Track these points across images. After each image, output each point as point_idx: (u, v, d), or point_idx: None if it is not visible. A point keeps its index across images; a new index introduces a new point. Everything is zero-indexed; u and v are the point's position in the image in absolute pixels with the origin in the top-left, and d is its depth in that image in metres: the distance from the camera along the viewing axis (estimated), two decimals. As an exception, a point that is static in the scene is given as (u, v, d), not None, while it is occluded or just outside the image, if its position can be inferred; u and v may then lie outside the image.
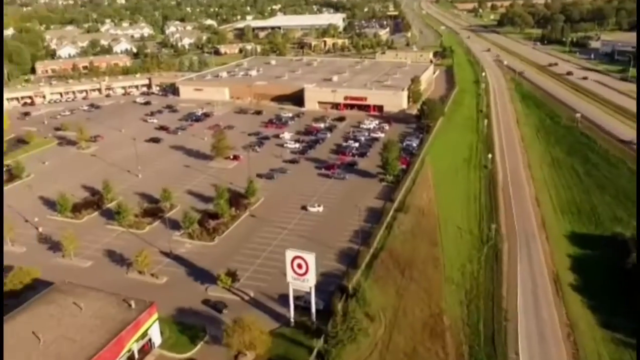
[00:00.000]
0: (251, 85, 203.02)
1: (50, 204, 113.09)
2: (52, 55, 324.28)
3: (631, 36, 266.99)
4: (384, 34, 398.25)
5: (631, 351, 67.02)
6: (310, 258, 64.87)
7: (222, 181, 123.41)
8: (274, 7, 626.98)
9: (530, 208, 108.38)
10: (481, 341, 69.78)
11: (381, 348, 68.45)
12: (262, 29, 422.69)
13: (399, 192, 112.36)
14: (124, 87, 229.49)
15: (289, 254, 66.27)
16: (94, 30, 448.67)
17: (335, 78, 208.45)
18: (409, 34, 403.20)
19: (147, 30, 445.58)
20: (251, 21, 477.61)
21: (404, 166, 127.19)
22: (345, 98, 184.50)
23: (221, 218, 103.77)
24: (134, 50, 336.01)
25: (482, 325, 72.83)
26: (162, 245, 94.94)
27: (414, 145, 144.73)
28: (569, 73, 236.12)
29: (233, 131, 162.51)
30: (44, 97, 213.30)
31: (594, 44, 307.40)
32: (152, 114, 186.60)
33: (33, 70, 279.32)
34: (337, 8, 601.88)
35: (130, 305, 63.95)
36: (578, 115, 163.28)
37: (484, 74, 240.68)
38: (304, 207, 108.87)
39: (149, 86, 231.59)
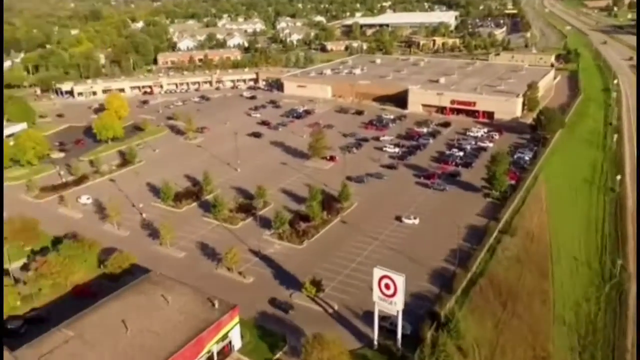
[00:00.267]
0: (354, 84, 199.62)
1: (155, 190, 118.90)
2: (173, 47, 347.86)
3: None
4: (499, 33, 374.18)
5: None
6: (400, 280, 59.55)
7: (316, 182, 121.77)
8: (383, 4, 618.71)
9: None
10: (595, 400, 59.92)
11: (473, 389, 61.46)
12: (370, 26, 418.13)
13: (506, 211, 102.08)
14: (232, 81, 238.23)
15: (377, 272, 61.50)
16: (212, 24, 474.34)
17: (442, 80, 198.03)
18: (528, 34, 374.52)
19: (259, 26, 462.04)
20: (359, 18, 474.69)
21: (513, 182, 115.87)
22: (452, 102, 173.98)
23: (312, 221, 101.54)
24: (246, 44, 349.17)
25: (597, 380, 62.68)
26: (252, 243, 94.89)
27: (527, 158, 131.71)
28: None
29: (332, 131, 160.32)
30: (161, 87, 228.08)
31: None
32: (255, 108, 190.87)
33: (155, 61, 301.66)
34: (449, 5, 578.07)
35: (213, 305, 63.50)
36: None
37: (615, 81, 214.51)
38: (398, 218, 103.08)
39: (255, 80, 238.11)
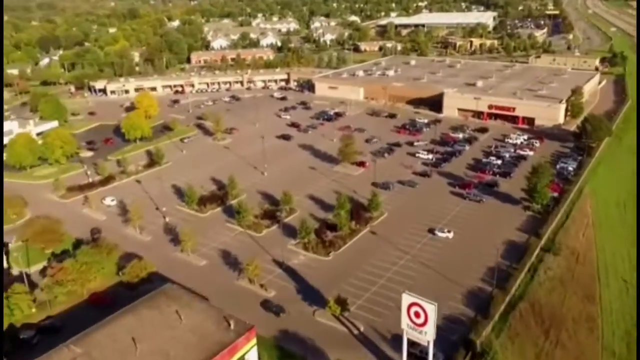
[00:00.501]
0: (387, 86, 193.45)
1: (180, 193, 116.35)
2: (206, 46, 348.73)
3: None
4: (540, 35, 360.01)
5: None
6: (431, 309, 53.93)
7: (345, 188, 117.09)
8: (419, 3, 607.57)
9: None
10: None
11: None
12: (405, 26, 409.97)
13: (548, 227, 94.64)
14: (264, 81, 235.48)
15: (406, 298, 56.03)
16: (247, 23, 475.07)
17: (479, 83, 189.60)
18: (570, 36, 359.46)
19: (293, 25, 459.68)
20: (394, 18, 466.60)
21: (555, 194, 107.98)
22: (490, 107, 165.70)
23: (339, 231, 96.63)
24: (279, 44, 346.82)
25: None
26: (276, 253, 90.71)
27: (570, 169, 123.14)
28: None
29: (363, 135, 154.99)
30: (192, 86, 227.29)
31: None
32: (286, 109, 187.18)
33: (189, 60, 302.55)
34: (487, 6, 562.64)
35: (229, 325, 59.35)
36: None
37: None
38: (431, 230, 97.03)
39: (287, 81, 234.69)
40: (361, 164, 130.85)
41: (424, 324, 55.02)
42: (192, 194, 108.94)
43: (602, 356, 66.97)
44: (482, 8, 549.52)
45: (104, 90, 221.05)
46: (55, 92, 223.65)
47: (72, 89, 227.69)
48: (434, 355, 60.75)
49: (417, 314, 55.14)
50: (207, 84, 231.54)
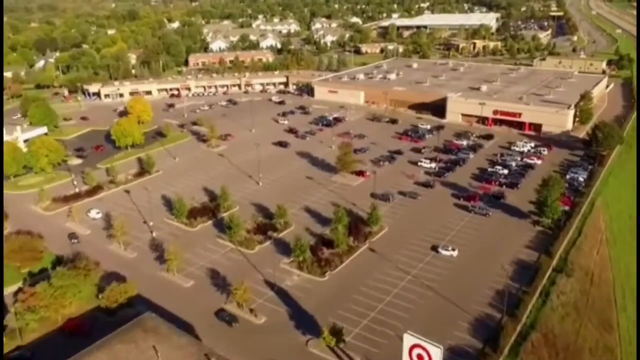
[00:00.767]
0: (388, 91, 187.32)
1: (170, 204, 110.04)
2: (205, 48, 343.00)
3: None
4: (544, 36, 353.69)
5: None
6: (436, 353, 47.88)
7: (343, 200, 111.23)
8: (421, 5, 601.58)
9: None
10: None
11: None
12: (407, 27, 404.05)
13: (560, 245, 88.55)
14: (262, 84, 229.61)
15: (408, 339, 49.99)
16: (247, 25, 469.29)
17: (484, 87, 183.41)
18: (575, 38, 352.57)
19: (294, 27, 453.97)
20: (396, 19, 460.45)
21: (566, 207, 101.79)
22: (495, 112, 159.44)
23: (336, 248, 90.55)
24: (279, 46, 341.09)
25: None
26: (268, 273, 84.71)
27: (581, 179, 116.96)
28: None
29: (363, 141, 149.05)
30: (189, 89, 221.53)
31: None
32: (284, 114, 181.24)
33: (187, 63, 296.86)
34: (490, 7, 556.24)
35: (212, 363, 53.55)
36: None
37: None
38: (434, 248, 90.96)
39: (285, 84, 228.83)
40: (360, 173, 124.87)
41: (428, 367, 48.95)
42: (182, 206, 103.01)
43: (623, 393, 61.05)
44: (484, 9, 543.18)
45: (98, 94, 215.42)
46: (49, 96, 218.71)
47: (65, 92, 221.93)
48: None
49: (420, 357, 49.09)
50: (204, 88, 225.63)
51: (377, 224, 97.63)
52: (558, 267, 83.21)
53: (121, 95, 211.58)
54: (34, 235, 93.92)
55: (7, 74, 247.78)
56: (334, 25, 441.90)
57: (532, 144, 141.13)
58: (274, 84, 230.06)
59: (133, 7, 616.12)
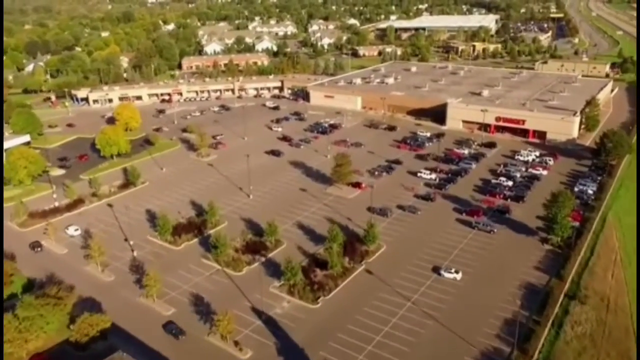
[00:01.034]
0: (385, 97, 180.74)
1: (154, 220, 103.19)
2: (200, 51, 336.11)
3: None
4: (544, 38, 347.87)
5: None
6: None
7: (338, 215, 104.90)
8: (419, 6, 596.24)
9: None
10: None
11: None
12: (405, 29, 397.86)
13: (571, 267, 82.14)
14: (256, 89, 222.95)
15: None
16: (243, 27, 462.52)
17: (485, 92, 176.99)
18: (576, 40, 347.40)
19: (291, 29, 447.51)
20: (394, 21, 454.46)
21: (575, 223, 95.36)
22: (498, 119, 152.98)
23: (330, 269, 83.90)
24: (274, 48, 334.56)
25: None
26: (255, 298, 78.04)
27: (590, 192, 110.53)
28: None
29: (360, 150, 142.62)
30: (180, 94, 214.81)
31: None
32: (278, 121, 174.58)
33: (180, 66, 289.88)
34: (489, 8, 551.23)
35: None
36: None
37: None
38: (436, 269, 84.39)
39: (280, 89, 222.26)
40: (357, 184, 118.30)
41: None
42: (165, 223, 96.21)
43: None
44: (483, 11, 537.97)
45: (86, 99, 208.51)
46: (35, 101, 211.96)
47: (53, 97, 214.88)
48: None
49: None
50: (197, 92, 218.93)
51: (374, 242, 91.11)
52: (570, 292, 76.75)
53: (110, 100, 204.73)
54: (6, 255, 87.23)
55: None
56: (331, 27, 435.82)
57: (537, 153, 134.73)
58: (269, 89, 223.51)
59: (129, 9, 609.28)
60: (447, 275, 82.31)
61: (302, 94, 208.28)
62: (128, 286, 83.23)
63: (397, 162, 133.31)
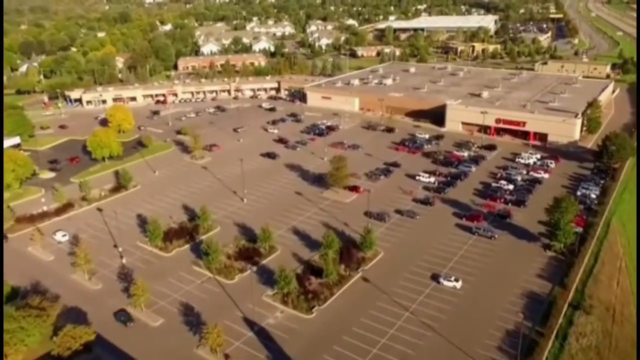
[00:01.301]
0: (384, 98, 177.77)
1: (145, 225, 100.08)
2: (196, 51, 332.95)
3: None
4: (544, 39, 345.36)
5: None
6: None
7: (334, 219, 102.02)
8: (418, 7, 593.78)
9: None
10: None
11: None
12: (404, 30, 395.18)
13: (575, 275, 79.21)
14: (252, 90, 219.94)
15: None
16: (241, 27, 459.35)
17: (485, 94, 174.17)
18: (576, 40, 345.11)
19: (289, 29, 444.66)
20: (393, 22, 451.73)
21: (579, 228, 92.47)
22: (498, 121, 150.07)
23: (326, 277, 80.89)
24: (272, 49, 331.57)
25: None
26: (247, 308, 75.03)
27: (593, 196, 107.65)
28: None
29: (357, 152, 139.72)
30: (175, 95, 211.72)
31: None
32: (274, 122, 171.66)
33: (176, 67, 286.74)
34: (488, 9, 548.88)
35: None
36: None
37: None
38: (434, 277, 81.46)
39: (277, 90, 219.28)
40: (354, 188, 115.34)
41: None
42: (156, 228, 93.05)
43: None
44: (482, 11, 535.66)
45: (79, 101, 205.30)
46: (28, 102, 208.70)
47: (45, 99, 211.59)
48: None
49: None
50: (192, 93, 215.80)
51: (371, 248, 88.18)
52: (575, 301, 73.86)
53: (104, 101, 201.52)
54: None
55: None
56: (329, 27, 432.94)
57: (538, 156, 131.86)
58: (265, 90, 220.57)
59: (126, 9, 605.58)
60: (446, 283, 79.36)
61: (299, 95, 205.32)
62: (116, 295, 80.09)
63: (395, 164, 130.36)
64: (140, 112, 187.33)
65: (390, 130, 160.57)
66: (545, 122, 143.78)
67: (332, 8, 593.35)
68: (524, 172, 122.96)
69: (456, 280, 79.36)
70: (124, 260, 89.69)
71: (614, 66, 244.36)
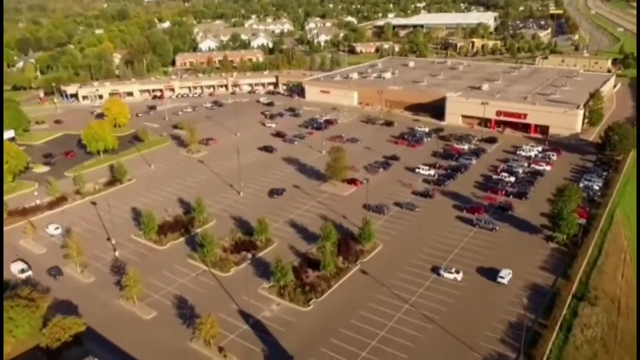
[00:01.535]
0: (383, 91, 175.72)
1: (139, 219, 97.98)
2: (194, 48, 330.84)
3: None
4: (544, 35, 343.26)
5: None
6: None
7: (332, 212, 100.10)
8: (417, 4, 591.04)
9: None
10: None
11: None
12: (403, 27, 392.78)
13: (579, 266, 77.27)
14: (250, 85, 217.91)
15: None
16: (239, 25, 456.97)
17: (485, 87, 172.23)
18: (576, 37, 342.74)
19: (287, 26, 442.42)
20: (392, 19, 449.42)
21: (582, 220, 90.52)
22: (498, 113, 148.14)
23: (323, 270, 78.95)
24: (270, 45, 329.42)
25: None
26: (243, 301, 73.10)
27: (596, 188, 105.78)
28: None
29: (356, 146, 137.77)
30: (173, 90, 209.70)
31: None
32: (271, 117, 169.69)
33: (174, 63, 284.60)
34: (487, 6, 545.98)
35: None
36: None
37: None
38: (435, 269, 79.55)
39: (275, 85, 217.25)
40: (352, 181, 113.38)
41: None
42: (150, 221, 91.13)
43: None
44: (481, 8, 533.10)
45: (75, 96, 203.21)
46: (24, 98, 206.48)
47: (41, 94, 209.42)
48: None
49: None
50: (189, 88, 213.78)
51: (370, 240, 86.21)
52: (579, 293, 71.98)
53: (100, 96, 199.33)
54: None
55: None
56: (328, 24, 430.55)
57: (540, 148, 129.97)
58: (263, 85, 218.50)
59: (124, 7, 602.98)
60: (447, 275, 77.42)
61: (297, 90, 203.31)
62: (108, 288, 78.19)
63: (395, 157, 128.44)
64: (137, 107, 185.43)
65: (389, 124, 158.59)
66: (546, 114, 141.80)
67: (331, 6, 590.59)
68: (526, 164, 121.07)
69: (457, 271, 77.44)
70: (117, 253, 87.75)
71: (614, 61, 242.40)
